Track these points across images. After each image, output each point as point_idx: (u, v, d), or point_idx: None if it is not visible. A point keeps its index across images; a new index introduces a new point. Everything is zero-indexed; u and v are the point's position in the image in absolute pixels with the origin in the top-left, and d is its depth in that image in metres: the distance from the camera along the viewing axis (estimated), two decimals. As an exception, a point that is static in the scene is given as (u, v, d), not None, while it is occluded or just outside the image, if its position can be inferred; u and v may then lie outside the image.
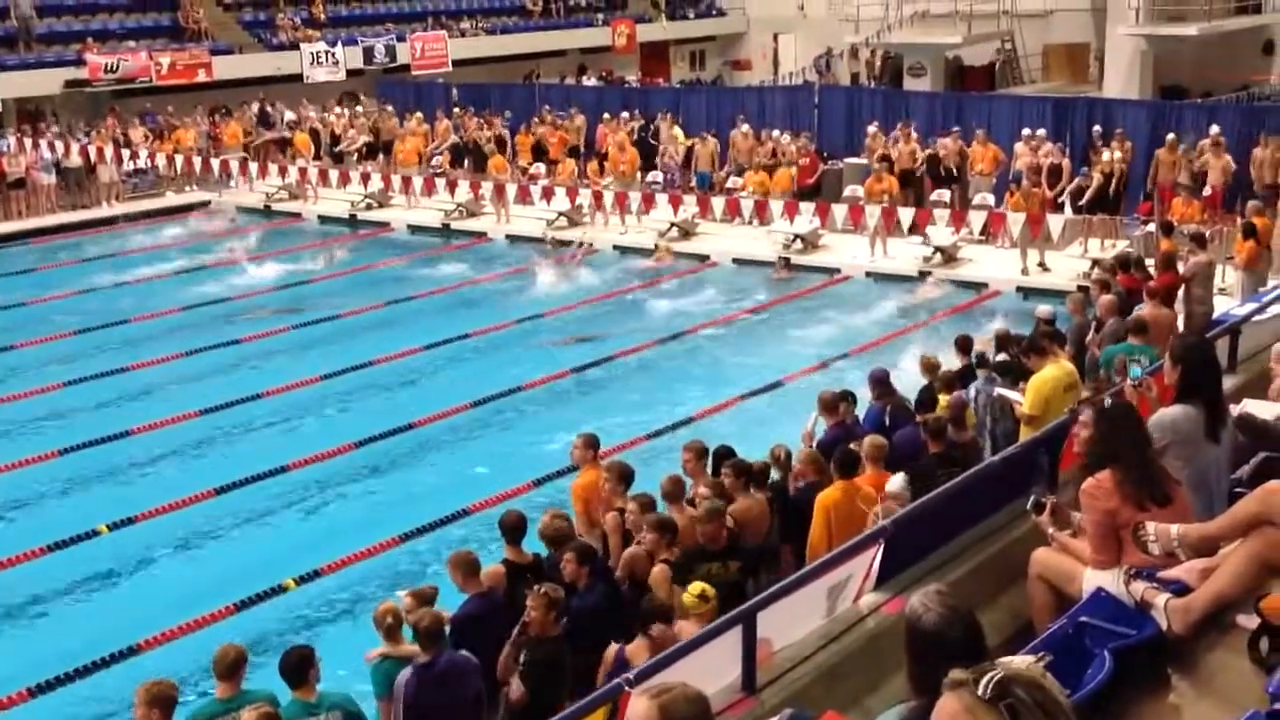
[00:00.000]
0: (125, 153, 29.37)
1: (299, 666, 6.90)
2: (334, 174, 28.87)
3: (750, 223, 24.82)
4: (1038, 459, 7.37)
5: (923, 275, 21.60)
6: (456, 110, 32.70)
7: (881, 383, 11.50)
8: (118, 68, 31.82)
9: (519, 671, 7.20)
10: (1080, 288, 16.55)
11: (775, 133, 27.26)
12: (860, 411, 11.31)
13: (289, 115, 33.35)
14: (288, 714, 6.78)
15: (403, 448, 14.83)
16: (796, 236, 23.29)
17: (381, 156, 30.97)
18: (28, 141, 28.81)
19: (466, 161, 29.48)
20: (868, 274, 22.15)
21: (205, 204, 30.31)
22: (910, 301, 20.72)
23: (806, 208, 23.64)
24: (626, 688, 4.60)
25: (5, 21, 32.21)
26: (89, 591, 11.75)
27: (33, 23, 32.45)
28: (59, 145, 28.97)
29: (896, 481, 8.12)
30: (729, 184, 26.58)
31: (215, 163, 29.50)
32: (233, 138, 31.00)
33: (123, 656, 10.00)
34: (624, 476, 9.35)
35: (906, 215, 22.65)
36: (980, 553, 6.58)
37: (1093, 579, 5.57)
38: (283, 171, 29.25)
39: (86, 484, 14.07)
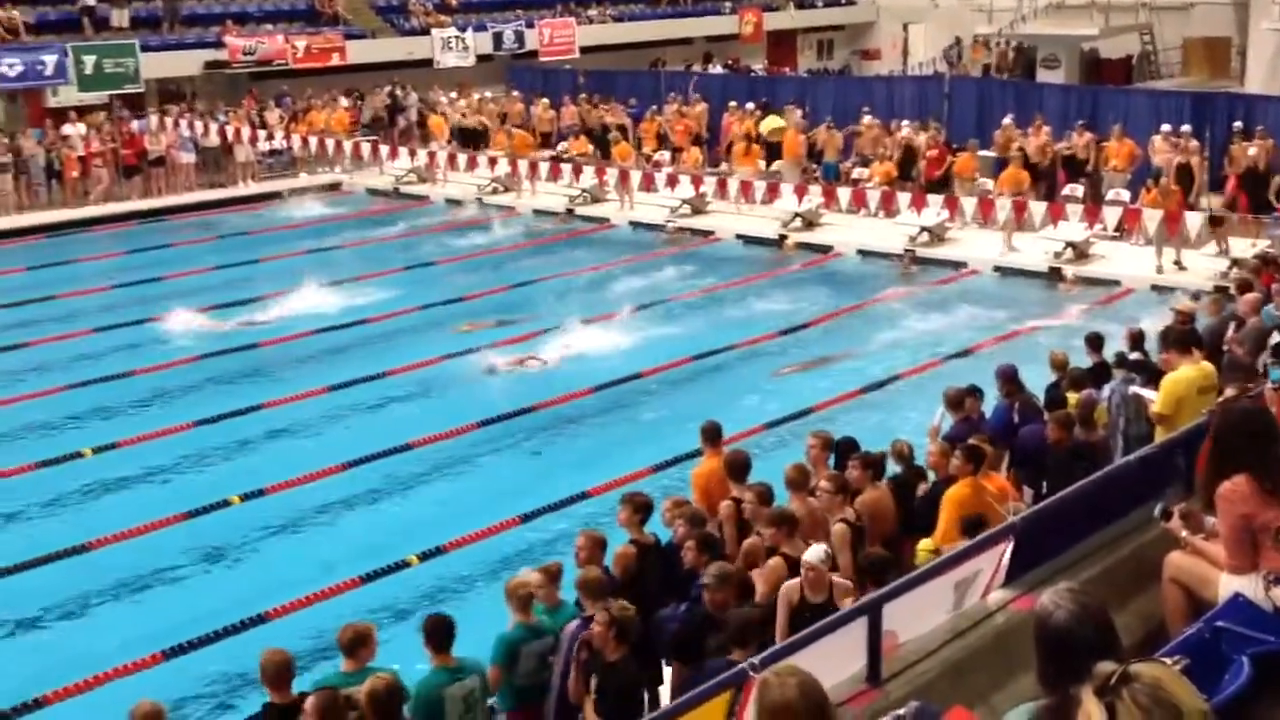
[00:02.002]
0: (261, 133, 30.03)
1: (446, 632, 7.02)
2: (462, 158, 29.18)
3: (876, 214, 24.56)
4: (1174, 460, 7.21)
5: (1053, 271, 21.18)
6: (582, 97, 32.87)
7: (1009, 379, 11.31)
8: (255, 50, 32.53)
9: (592, 699, 7.16)
10: (1218, 288, 16.10)
11: (904, 124, 26.92)
12: (987, 408, 11.13)
13: (414, 98, 33.80)
14: (432, 680, 6.91)
15: (523, 429, 14.95)
16: (923, 229, 23.00)
17: (507, 141, 31.19)
18: (168, 121, 29.60)
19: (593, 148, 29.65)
20: (996, 269, 21.78)
21: (336, 185, 30.91)
22: (1039, 297, 20.34)
23: (934, 200, 23.32)
24: (751, 673, 4.60)
25: (151, 3, 33.11)
26: (220, 560, 12.04)
27: (178, 4, 33.31)
28: (198, 125, 29.73)
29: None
30: (855, 174, 26.36)
31: (347, 145, 30.02)
32: (339, 123, 31.49)
33: (252, 624, 10.23)
34: (738, 466, 9.31)
35: (1038, 210, 22.21)
36: (1112, 554, 6.45)
37: (1230, 584, 5.43)
38: (412, 154, 29.66)
39: (219, 455, 14.42)
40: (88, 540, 11.81)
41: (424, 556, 11.51)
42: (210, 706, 9.44)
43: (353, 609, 9.88)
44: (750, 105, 29.93)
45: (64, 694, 9.24)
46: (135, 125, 29.24)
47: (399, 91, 33.93)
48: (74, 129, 28.24)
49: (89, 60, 29.39)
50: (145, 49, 30.72)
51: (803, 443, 10.11)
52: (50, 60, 29.05)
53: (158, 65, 31.24)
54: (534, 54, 37.30)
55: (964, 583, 5.93)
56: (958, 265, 22.15)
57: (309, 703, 6.30)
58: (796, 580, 7.16)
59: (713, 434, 10.05)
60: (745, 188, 25.40)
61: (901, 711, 4.21)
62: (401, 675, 6.87)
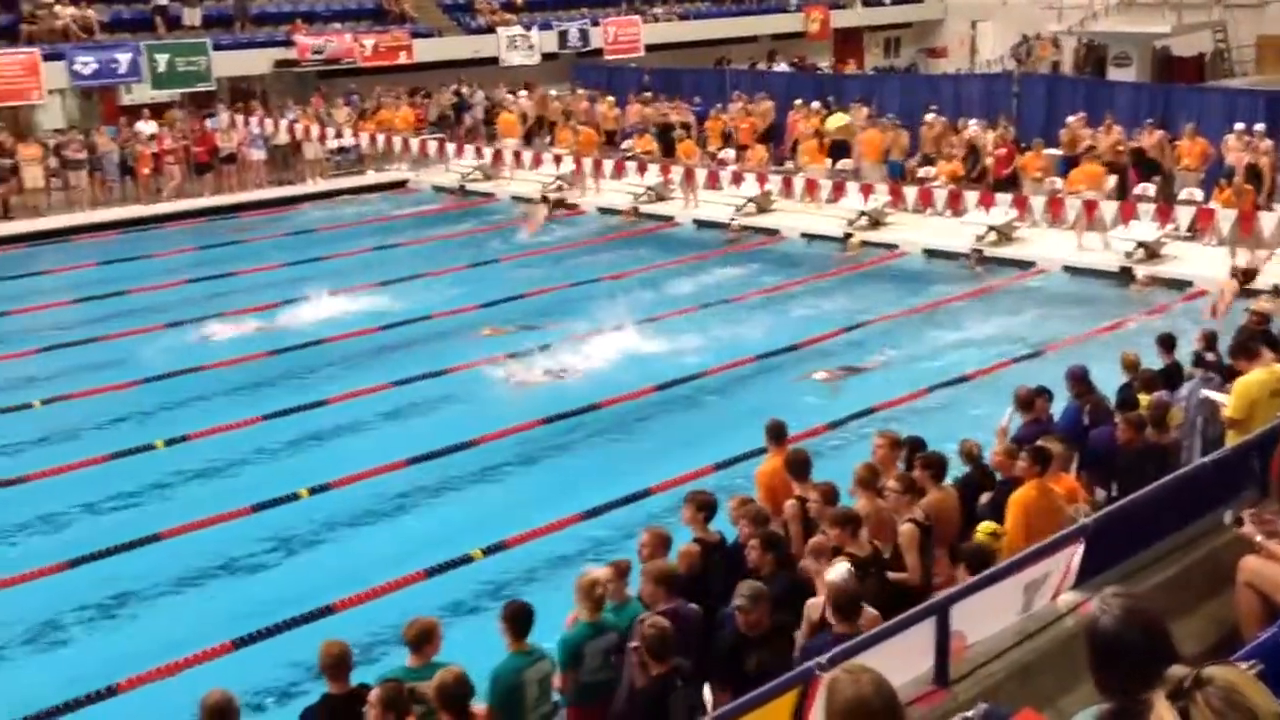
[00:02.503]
0: (329, 131, 30.33)
1: (526, 618, 7.06)
2: (527, 155, 29.29)
3: (943, 213, 24.37)
4: (1249, 463, 7.09)
5: (1124, 271, 20.90)
6: (647, 95, 32.90)
7: (1080, 380, 11.19)
8: (324, 49, 32.88)
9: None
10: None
11: (971, 122, 26.70)
12: (1056, 409, 11.01)
13: (480, 96, 33.99)
14: (511, 664, 6.97)
15: (587, 427, 14.99)
16: (990, 228, 22.79)
17: (573, 140, 31.29)
18: (239, 118, 29.97)
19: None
20: (1066, 268, 21.53)
21: (403, 183, 31.16)
22: (1110, 297, 20.09)
23: (1003, 199, 23.10)
24: (818, 671, 4.59)
25: (222, 2, 33.55)
26: (288, 552, 12.17)
27: (249, 3, 33.72)
28: (268, 123, 30.08)
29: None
30: (921, 173, 26.19)
31: (414, 142, 30.24)
32: (405, 121, 31.70)
33: (319, 615, 10.34)
34: (799, 465, 9.28)
35: (1109, 209, 21.93)
36: (1186, 557, 6.37)
37: (1306, 589, 5.34)
38: (478, 152, 29.83)
39: (287, 449, 14.58)
40: (159, 530, 11.99)
41: (487, 551, 11.56)
42: (279, 696, 9.53)
43: (417, 603, 9.94)
44: (816, 104, 29.80)
45: (136, 682, 9.37)
46: (208, 123, 29.62)
47: (465, 90, 34.13)
48: (147, 126, 28.65)
49: (162, 59, 29.88)
50: (217, 48, 31.20)
51: (867, 442, 10.06)
52: (124, 59, 29.55)
53: (229, 64, 31.67)
54: (599, 52, 37.43)
55: (1033, 585, 5.88)
56: (1026, 265, 21.92)
57: (373, 694, 6.36)
58: (820, 599, 7.11)
59: (777, 432, 10.03)
60: (811, 186, 25.30)
61: (970, 713, 4.19)
62: (467, 669, 6.93)
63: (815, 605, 7.03)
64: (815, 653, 5.21)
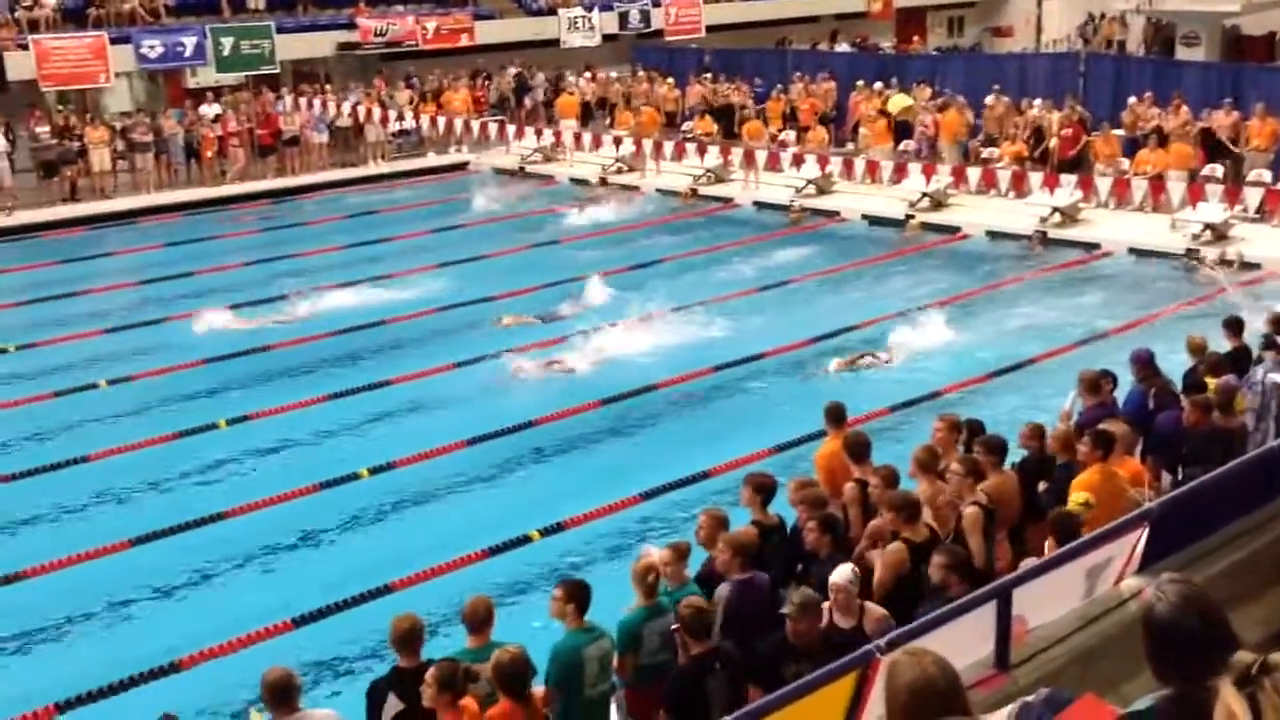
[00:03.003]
0: (391, 114, 30.48)
1: (587, 596, 7.09)
2: (587, 137, 29.29)
3: (1006, 195, 24.10)
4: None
5: (1190, 254, 20.56)
6: (707, 76, 32.78)
7: (1145, 363, 11.00)
8: (386, 31, 33.03)
9: (663, 702, 7.10)
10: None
11: (1036, 102, 26.37)
12: (1121, 393, 10.85)
13: (540, 78, 34.03)
14: (572, 641, 6.99)
15: (645, 408, 14.98)
16: (1055, 209, 22.50)
17: (634, 121, 31.28)
18: (303, 101, 30.19)
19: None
20: (1131, 250, 21.22)
21: (464, 165, 31.27)
22: (1176, 279, 19.78)
23: (1068, 180, 22.81)
24: (877, 654, 4.55)
25: (285, -15, 33.83)
26: (349, 531, 12.26)
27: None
28: (331, 105, 30.28)
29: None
30: (984, 154, 25.91)
31: (475, 125, 30.33)
32: (464, 104, 31.77)
33: (378, 594, 10.41)
34: (858, 447, 9.20)
35: (1176, 191, 21.59)
36: (1253, 541, 6.26)
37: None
38: (539, 134, 29.87)
39: (349, 429, 14.67)
40: (224, 509, 12.12)
41: (545, 532, 11.59)
42: (337, 674, 9.61)
43: (476, 583, 10.00)
44: (878, 84, 29.57)
45: (199, 658, 9.49)
46: (277, 105, 29.85)
47: (525, 72, 34.17)
48: (212, 109, 28.93)
49: (227, 42, 30.16)
50: (280, 30, 31.45)
51: (927, 425, 9.96)
52: (190, 42, 29.85)
53: (292, 46, 31.91)
54: (659, 33, 37.31)
55: (1096, 569, 5.80)
56: (1091, 247, 21.62)
57: (429, 673, 6.38)
58: (827, 602, 7.03)
59: (836, 415, 9.94)
60: (872, 167, 25.11)
61: (1031, 698, 4.12)
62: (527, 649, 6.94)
63: (824, 608, 6.96)
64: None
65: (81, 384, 16.13)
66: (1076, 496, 6.98)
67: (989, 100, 26.98)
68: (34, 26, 28.88)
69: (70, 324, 19.03)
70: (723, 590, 7.40)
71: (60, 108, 29.14)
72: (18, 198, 26.50)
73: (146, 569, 11.32)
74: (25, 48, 27.95)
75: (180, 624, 10.44)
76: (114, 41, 28.99)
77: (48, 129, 27.16)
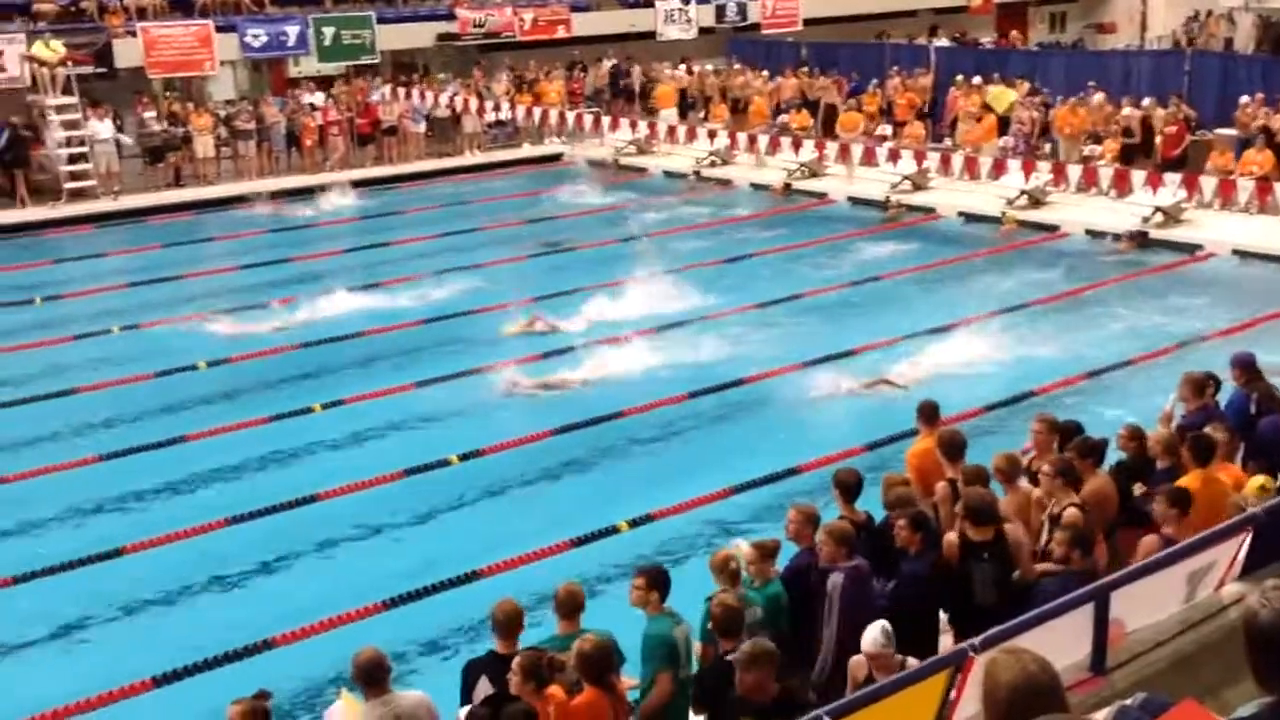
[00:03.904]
0: (487, 104, 30.70)
1: (668, 582, 7.10)
2: (681, 130, 29.27)
3: (1107, 193, 23.68)
4: None
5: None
6: (803, 70, 32.60)
7: (1247, 367, 10.73)
8: (484, 23, 33.28)
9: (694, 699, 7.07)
10: None
11: (1144, 100, 25.88)
12: (1222, 397, 10.60)
13: (637, 71, 34.08)
14: (662, 625, 7.02)
15: (737, 401, 14.93)
16: (1157, 209, 22.06)
17: (729, 114, 31.27)
18: (401, 91, 30.51)
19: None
20: (1235, 252, 20.73)
21: (558, 156, 31.41)
22: (1281, 283, 19.32)
23: (1171, 179, 22.35)
24: (971, 653, 4.50)
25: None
26: (437, 517, 12.37)
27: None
28: (429, 96, 30.57)
29: (873, 634, 6.64)
30: (1085, 151, 25.47)
31: (570, 116, 30.45)
32: (559, 95, 31.87)
33: (467, 580, 10.50)
34: (953, 446, 9.08)
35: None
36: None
37: None
38: (633, 126, 29.91)
39: (439, 415, 14.80)
40: (315, 492, 12.30)
41: (633, 524, 11.61)
42: (424, 658, 9.70)
43: (563, 572, 10.02)
44: (977, 79, 29.20)
45: (291, 638, 9.64)
46: (375, 95, 30.21)
47: (622, 64, 34.23)
48: (313, 98, 29.35)
49: (328, 32, 30.60)
50: (381, 21, 31.80)
51: (1019, 426, 9.83)
52: (292, 31, 30.33)
53: (392, 37, 32.27)
54: (756, 26, 37.16)
55: (1197, 574, 5.69)
56: (1193, 248, 21.16)
57: (515, 662, 6.42)
58: (863, 657, 6.78)
59: (929, 413, 9.85)
60: (970, 163, 24.81)
61: (1128, 702, 4.05)
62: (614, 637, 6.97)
63: (860, 664, 6.84)
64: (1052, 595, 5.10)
65: (183, 365, 16.46)
66: (1256, 480, 6.83)
67: (1097, 99, 26.52)
68: (142, 14, 29.50)
69: (172, 306, 19.41)
70: (836, 579, 7.39)
71: (166, 95, 29.73)
72: (124, 182, 27.11)
73: (243, 548, 11.51)
74: (134, 35, 28.57)
75: (275, 602, 10.62)
76: (219, 30, 29.53)
77: (154, 115, 27.72)
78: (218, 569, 11.22)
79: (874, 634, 6.60)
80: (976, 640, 4.76)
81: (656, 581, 7.15)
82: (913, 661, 6.61)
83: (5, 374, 16.41)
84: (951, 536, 7.77)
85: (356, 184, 28.14)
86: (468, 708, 6.65)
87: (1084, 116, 26.14)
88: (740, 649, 6.37)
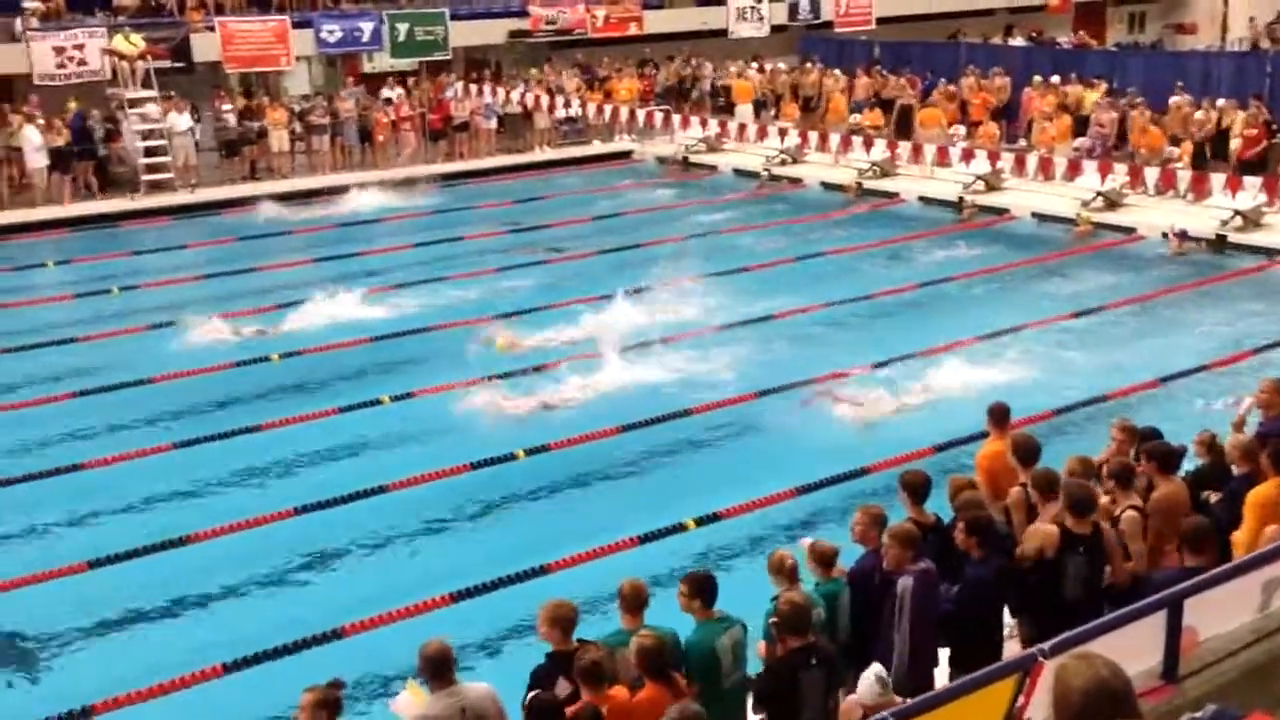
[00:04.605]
0: (558, 101, 30.80)
1: (713, 587, 7.08)
2: (752, 129, 29.20)
3: (1184, 196, 23.31)
4: None
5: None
6: (876, 68, 32.40)
7: (1329, 373, 10.54)
8: (557, 20, 33.40)
9: (755, 696, 7.03)
10: None
11: (1220, 102, 25.44)
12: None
13: (708, 68, 34.02)
14: (706, 633, 6.99)
15: (805, 400, 14.86)
16: (1236, 212, 21.68)
17: (800, 113, 31.15)
18: (473, 88, 30.70)
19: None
20: (1318, 257, 20.36)
21: (628, 154, 31.45)
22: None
23: (1251, 183, 21.95)
24: (1040, 658, 4.45)
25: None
26: (504, 510, 12.45)
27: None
28: (500, 92, 30.73)
29: (868, 682, 6.47)
30: (1165, 153, 25.09)
31: (640, 113, 30.49)
32: (629, 92, 31.89)
33: (532, 575, 10.54)
34: (1028, 450, 8.97)
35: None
36: None
37: None
38: (704, 124, 29.88)
39: (506, 410, 14.82)
40: (385, 483, 12.40)
41: (700, 522, 11.59)
42: (490, 651, 9.75)
43: (629, 568, 10.02)
44: (1055, 79, 28.87)
45: (360, 627, 9.73)
46: (448, 92, 30.42)
47: (693, 61, 34.20)
48: (389, 93, 29.60)
49: (402, 28, 30.87)
50: (454, 17, 32.00)
51: (1094, 430, 9.71)
52: (368, 27, 30.64)
53: (465, 33, 32.49)
54: (829, 25, 36.98)
55: (1273, 583, 5.59)
56: (1273, 253, 20.77)
57: (577, 665, 6.44)
58: (855, 702, 6.67)
59: (1000, 415, 9.73)
60: (1045, 164, 24.55)
61: (1199, 714, 4.00)
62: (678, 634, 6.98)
63: (849, 710, 6.77)
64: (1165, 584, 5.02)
65: (255, 357, 16.67)
66: None
67: (1174, 100, 26.13)
68: (220, 9, 29.93)
69: (246, 298, 19.66)
70: (906, 582, 7.34)
71: (242, 89, 30.11)
72: (201, 175, 27.50)
73: (316, 537, 11.65)
74: (212, 30, 28.98)
75: (345, 591, 10.76)
76: (296, 26, 29.88)
77: (231, 109, 28.10)
78: (288, 559, 11.35)
79: (869, 683, 6.52)
80: (1046, 645, 4.71)
81: (699, 588, 7.11)
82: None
83: (83, 363, 16.70)
84: (1051, 527, 7.66)
85: (427, 179, 28.37)
86: (535, 692, 6.67)
87: (1157, 135, 25.64)
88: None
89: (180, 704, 8.86)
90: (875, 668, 6.43)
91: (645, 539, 11.22)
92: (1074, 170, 24.19)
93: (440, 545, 11.81)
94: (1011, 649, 7.77)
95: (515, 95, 30.76)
